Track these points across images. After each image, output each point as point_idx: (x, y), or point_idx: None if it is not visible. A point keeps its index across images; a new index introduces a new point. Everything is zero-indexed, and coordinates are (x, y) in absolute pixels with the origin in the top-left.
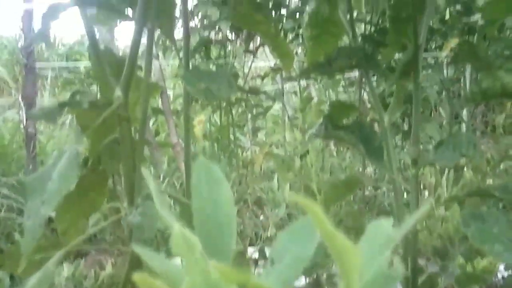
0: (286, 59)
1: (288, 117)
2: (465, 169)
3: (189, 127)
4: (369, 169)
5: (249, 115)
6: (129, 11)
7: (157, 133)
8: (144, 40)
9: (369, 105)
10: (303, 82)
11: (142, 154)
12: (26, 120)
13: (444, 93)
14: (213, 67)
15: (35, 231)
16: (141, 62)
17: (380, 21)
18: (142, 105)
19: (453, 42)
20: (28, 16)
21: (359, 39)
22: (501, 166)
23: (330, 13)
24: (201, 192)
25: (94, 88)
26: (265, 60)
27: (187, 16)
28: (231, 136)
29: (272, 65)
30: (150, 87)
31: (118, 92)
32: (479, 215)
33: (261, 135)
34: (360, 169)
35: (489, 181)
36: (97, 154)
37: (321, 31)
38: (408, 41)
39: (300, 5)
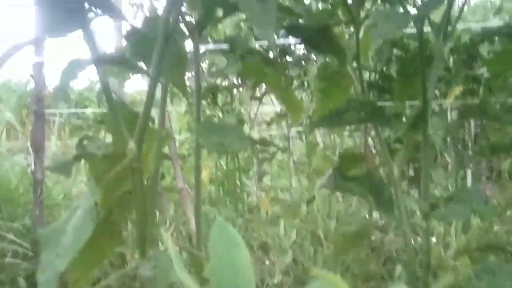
0: (294, 111)
1: (294, 162)
2: (472, 215)
3: (199, 176)
4: (376, 214)
5: (255, 160)
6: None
7: (162, 177)
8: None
9: (374, 150)
10: None
11: (154, 205)
12: (35, 165)
13: (449, 138)
14: (219, 113)
15: (49, 285)
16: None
17: (384, 68)
18: (155, 157)
19: (457, 90)
20: (39, 62)
21: (365, 85)
22: (508, 213)
23: (339, 66)
24: (219, 255)
25: (102, 134)
26: (271, 105)
27: (199, 70)
28: (237, 181)
29: (278, 110)
30: (163, 138)
31: (131, 144)
32: (490, 268)
33: (266, 180)
34: (367, 215)
35: (496, 228)
36: (109, 204)
37: (329, 84)
38: (416, 94)
39: (305, 52)
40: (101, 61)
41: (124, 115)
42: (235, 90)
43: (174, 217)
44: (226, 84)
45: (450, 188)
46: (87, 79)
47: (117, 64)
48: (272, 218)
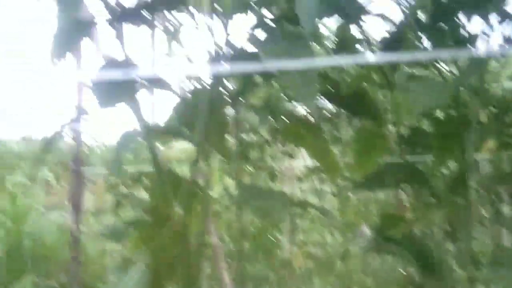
0: (332, 171)
1: (326, 216)
2: None
3: (242, 239)
4: (412, 270)
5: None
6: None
7: None
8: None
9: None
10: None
11: (199, 267)
12: (72, 223)
13: (483, 191)
14: (251, 168)
15: None
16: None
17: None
18: (201, 219)
19: (491, 143)
20: (78, 124)
21: (396, 139)
22: None
23: (375, 128)
24: None
25: (136, 192)
26: (300, 159)
27: (239, 135)
28: (270, 236)
29: (308, 164)
30: (207, 202)
31: (178, 209)
32: None
33: (298, 234)
34: (402, 271)
35: None
36: (155, 265)
37: (366, 145)
38: (454, 155)
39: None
40: (151, 132)
41: (170, 180)
42: (266, 145)
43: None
44: (258, 139)
45: (486, 242)
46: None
47: (164, 133)
48: (305, 273)
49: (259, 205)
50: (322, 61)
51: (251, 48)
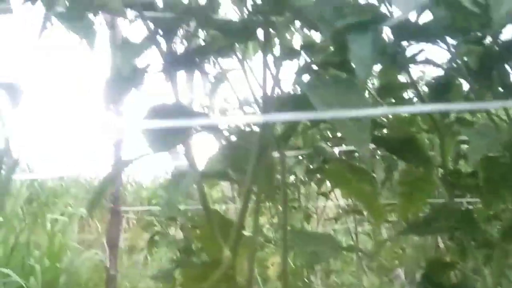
0: (377, 216)
1: (360, 257)
2: None
3: (286, 280)
4: None
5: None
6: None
7: None
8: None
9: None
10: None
11: None
12: (109, 261)
13: None
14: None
15: None
16: None
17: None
18: (249, 263)
19: None
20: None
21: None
22: None
23: (424, 173)
24: None
25: (171, 230)
26: (334, 199)
27: (285, 179)
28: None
29: (341, 204)
30: (255, 245)
31: (227, 252)
32: None
33: (332, 276)
34: None
35: None
36: None
37: (412, 188)
38: (504, 202)
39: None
40: (202, 176)
41: (219, 222)
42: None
43: None
44: (294, 180)
45: None
46: (154, 175)
47: (214, 177)
48: None
49: (310, 250)
50: (374, 110)
51: (297, 92)
